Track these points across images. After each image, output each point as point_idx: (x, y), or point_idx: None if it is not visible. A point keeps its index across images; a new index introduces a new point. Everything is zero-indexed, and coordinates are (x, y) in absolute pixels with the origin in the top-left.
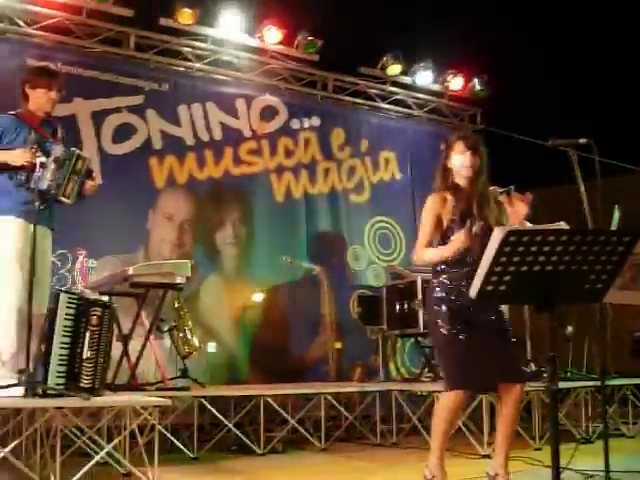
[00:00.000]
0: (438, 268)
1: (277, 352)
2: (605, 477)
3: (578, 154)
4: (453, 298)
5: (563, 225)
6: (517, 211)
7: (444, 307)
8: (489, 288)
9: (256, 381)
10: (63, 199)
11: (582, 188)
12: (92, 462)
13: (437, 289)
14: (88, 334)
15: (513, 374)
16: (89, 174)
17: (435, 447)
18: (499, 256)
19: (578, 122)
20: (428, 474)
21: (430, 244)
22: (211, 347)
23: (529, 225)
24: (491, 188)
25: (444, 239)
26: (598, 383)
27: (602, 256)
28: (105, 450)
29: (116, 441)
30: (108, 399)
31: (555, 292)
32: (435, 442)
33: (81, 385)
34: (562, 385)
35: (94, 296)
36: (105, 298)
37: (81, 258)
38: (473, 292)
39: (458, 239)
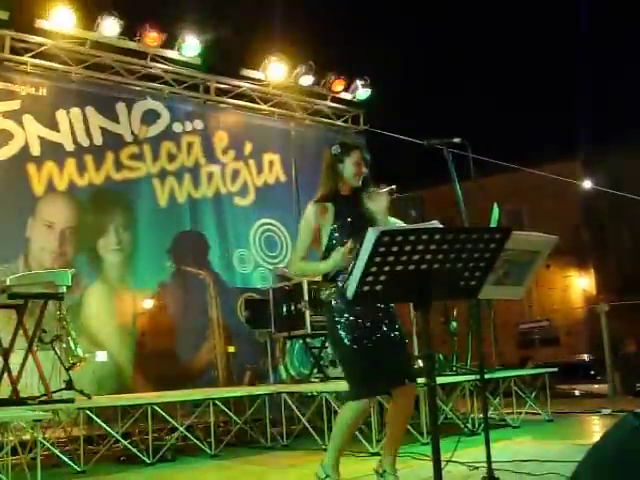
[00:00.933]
0: (334, 275)
1: (165, 359)
2: (487, 467)
3: (456, 153)
4: (350, 306)
5: (436, 224)
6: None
7: (344, 317)
8: (365, 288)
9: (144, 389)
10: None
11: (457, 186)
12: None
13: (335, 299)
14: None
15: (408, 375)
16: None
17: (334, 449)
18: (373, 256)
19: (459, 122)
20: (322, 474)
21: (306, 256)
22: (101, 356)
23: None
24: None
25: (329, 250)
26: None
27: (475, 253)
28: None
29: None
30: None
31: (430, 290)
32: (335, 445)
33: None
34: (447, 380)
35: None
36: None
37: None
38: (349, 293)
39: (335, 258)
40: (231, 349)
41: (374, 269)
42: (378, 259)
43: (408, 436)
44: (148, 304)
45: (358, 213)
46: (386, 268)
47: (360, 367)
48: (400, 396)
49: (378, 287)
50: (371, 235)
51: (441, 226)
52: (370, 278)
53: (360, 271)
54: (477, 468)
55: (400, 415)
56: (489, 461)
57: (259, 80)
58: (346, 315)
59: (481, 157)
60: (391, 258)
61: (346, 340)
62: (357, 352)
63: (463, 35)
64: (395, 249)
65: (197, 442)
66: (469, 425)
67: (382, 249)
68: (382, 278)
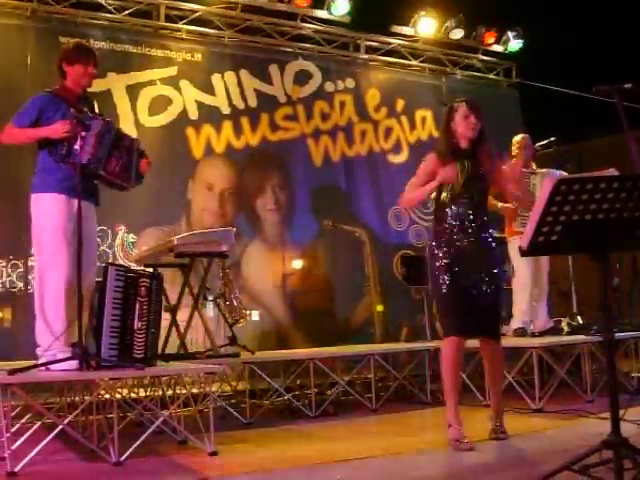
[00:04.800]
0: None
1: (322, 316)
2: None
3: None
4: (451, 251)
5: (613, 172)
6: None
7: (443, 260)
8: (540, 239)
9: (303, 345)
10: (118, 181)
11: (628, 132)
12: (149, 431)
13: (434, 240)
14: (138, 305)
15: (491, 331)
16: (142, 155)
17: (446, 391)
18: (550, 206)
19: (616, 72)
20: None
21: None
22: (255, 315)
23: None
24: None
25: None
26: None
27: None
28: (161, 419)
29: (171, 409)
30: (162, 369)
31: (607, 240)
32: (446, 386)
33: (134, 356)
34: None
35: (140, 268)
36: (151, 270)
37: (121, 233)
38: (524, 243)
39: (441, 175)
40: (380, 308)
41: (550, 219)
42: (554, 209)
43: (572, 393)
44: (305, 262)
45: (473, 165)
46: (562, 218)
47: (451, 305)
48: (484, 350)
49: (554, 237)
50: (548, 184)
51: (618, 174)
52: (546, 228)
53: (536, 221)
54: None
55: (487, 368)
56: None
57: (409, 36)
58: (444, 256)
59: None
60: (567, 207)
61: (442, 279)
62: (451, 291)
63: None
64: (572, 198)
65: (358, 397)
66: (634, 383)
67: (558, 198)
68: (558, 228)
